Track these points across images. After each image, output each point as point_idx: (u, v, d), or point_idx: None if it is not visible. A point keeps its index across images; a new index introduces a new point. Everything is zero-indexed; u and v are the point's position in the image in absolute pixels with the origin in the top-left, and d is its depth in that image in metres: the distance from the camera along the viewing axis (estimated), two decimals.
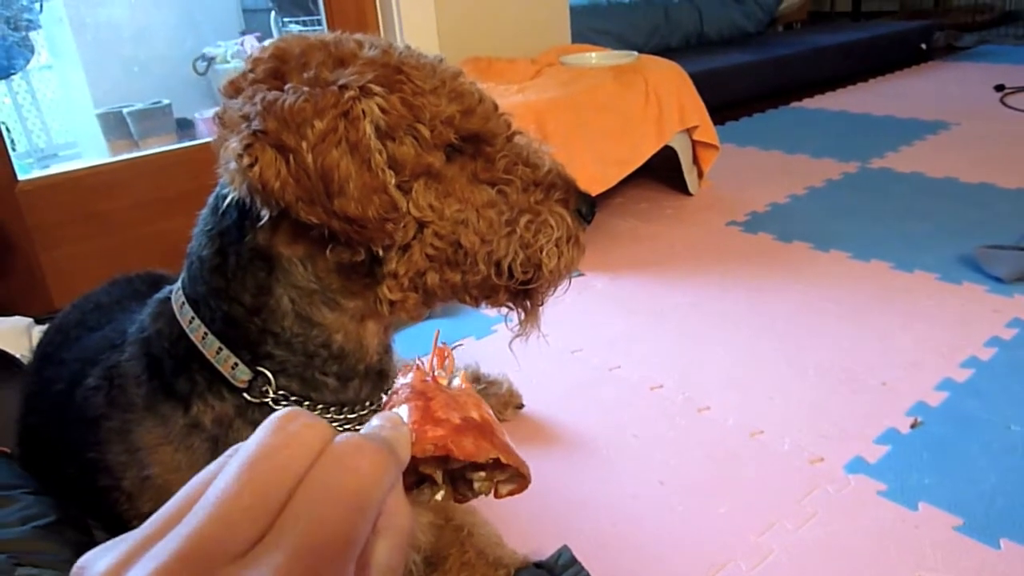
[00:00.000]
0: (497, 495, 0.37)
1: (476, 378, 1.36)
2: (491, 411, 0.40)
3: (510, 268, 0.77)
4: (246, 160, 0.63)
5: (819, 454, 1.21)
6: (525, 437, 1.30)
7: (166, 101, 2.94)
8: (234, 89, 0.71)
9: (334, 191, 0.65)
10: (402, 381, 0.41)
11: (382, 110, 0.69)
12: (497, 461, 0.36)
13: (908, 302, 1.67)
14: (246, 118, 0.65)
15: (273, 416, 0.27)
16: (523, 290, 0.80)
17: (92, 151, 3.19)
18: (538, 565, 0.91)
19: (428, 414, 0.35)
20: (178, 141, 2.82)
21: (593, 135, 2.04)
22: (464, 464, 0.36)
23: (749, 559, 1.02)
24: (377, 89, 0.69)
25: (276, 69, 0.70)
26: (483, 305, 0.82)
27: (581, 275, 1.91)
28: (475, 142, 0.75)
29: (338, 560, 0.25)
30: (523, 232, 0.76)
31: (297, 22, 3.08)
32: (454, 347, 1.37)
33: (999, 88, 3.53)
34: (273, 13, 3.24)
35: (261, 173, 0.63)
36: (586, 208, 0.80)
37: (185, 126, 3.03)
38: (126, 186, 1.96)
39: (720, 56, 3.67)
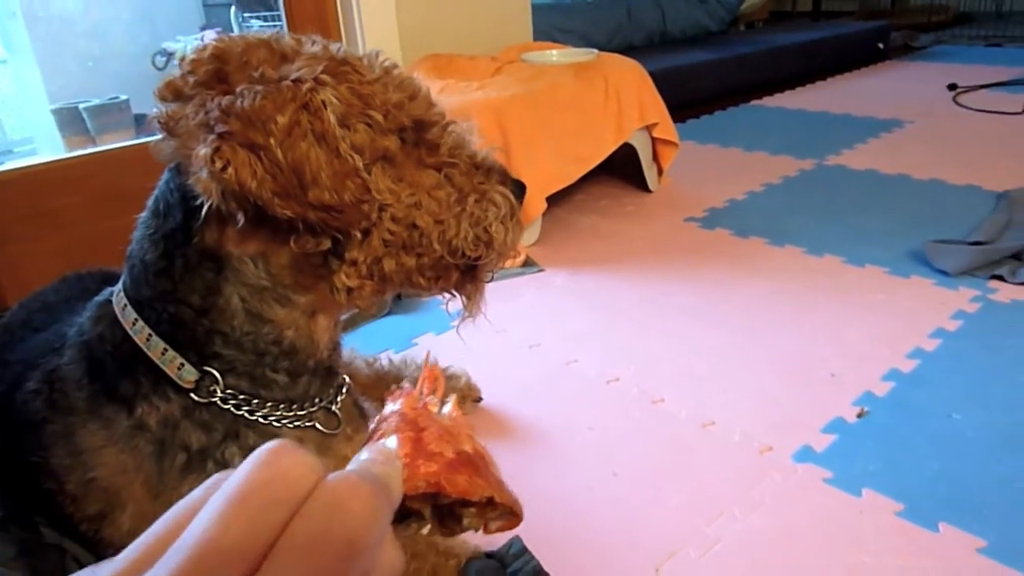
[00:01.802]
0: (486, 531, 0.36)
1: None
2: (480, 442, 0.39)
3: (462, 246, 0.80)
4: (218, 164, 0.64)
5: (768, 444, 1.24)
6: (482, 430, 1.31)
7: (124, 97, 2.89)
8: (172, 91, 0.71)
9: (308, 182, 0.67)
10: (391, 408, 0.39)
11: (336, 99, 0.70)
12: (490, 499, 0.34)
13: (858, 296, 1.72)
14: (206, 125, 0.66)
15: (261, 449, 0.26)
16: (472, 268, 0.84)
17: (48, 147, 3.13)
18: (489, 555, 0.92)
19: (420, 447, 0.34)
20: (136, 137, 2.78)
21: (553, 132, 2.05)
22: (455, 500, 0.34)
23: (698, 547, 1.04)
24: (329, 80, 0.70)
25: (218, 70, 0.71)
26: (434, 288, 0.84)
27: (541, 271, 1.92)
28: (418, 129, 0.78)
29: None
30: (472, 209, 0.81)
31: (257, 17, 3.06)
32: (445, 370, 1.38)
33: (952, 87, 3.62)
34: (233, 8, 3.21)
35: (237, 174, 0.64)
36: (518, 191, 0.85)
37: (143, 122, 2.99)
38: (81, 182, 1.94)
39: (682, 54, 3.71)
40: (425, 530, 0.36)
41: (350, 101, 0.72)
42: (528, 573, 0.89)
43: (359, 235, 0.74)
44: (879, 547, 1.03)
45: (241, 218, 0.68)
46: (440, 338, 1.63)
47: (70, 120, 2.84)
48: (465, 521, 0.36)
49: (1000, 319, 1.59)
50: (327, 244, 0.73)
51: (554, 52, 2.40)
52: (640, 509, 1.12)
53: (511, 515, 0.36)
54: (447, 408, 0.41)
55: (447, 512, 0.36)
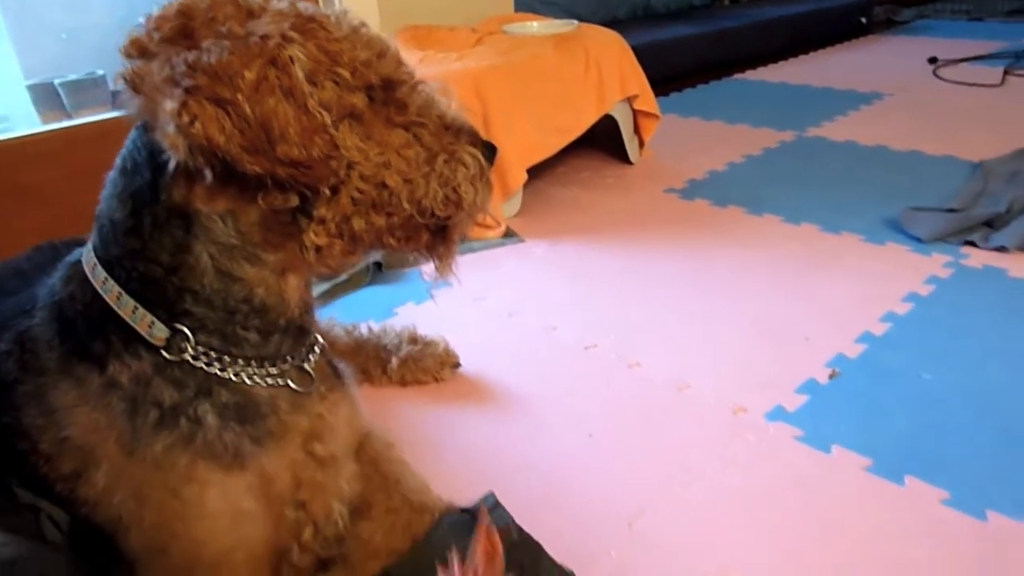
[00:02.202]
0: None
1: (414, 339, 1.38)
2: None
3: (432, 206, 0.81)
4: (185, 118, 0.64)
5: (742, 404, 1.26)
6: (460, 396, 1.33)
7: (100, 72, 2.85)
8: (137, 48, 0.71)
9: (276, 138, 0.67)
10: None
11: (303, 56, 0.70)
12: None
13: (834, 262, 1.74)
14: (172, 80, 0.66)
15: None
16: (442, 228, 0.84)
17: (24, 125, 3.09)
18: (463, 511, 0.94)
19: None
20: (113, 111, 2.74)
21: (534, 103, 2.05)
22: None
23: (671, 503, 1.06)
24: (296, 36, 0.71)
25: (184, 27, 0.70)
26: (405, 248, 0.85)
27: (521, 242, 1.93)
28: (387, 88, 0.78)
29: None
30: (441, 169, 0.81)
31: None
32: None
33: (932, 60, 3.63)
34: None
35: (204, 129, 0.64)
36: (488, 152, 0.85)
37: (117, 98, 2.96)
38: (58, 157, 1.92)
39: (666, 28, 3.70)
40: None
41: (318, 58, 0.72)
42: (500, 526, 0.90)
43: (328, 192, 0.74)
44: (848, 501, 1.06)
45: (209, 174, 0.68)
46: (420, 308, 1.64)
47: (46, 96, 2.80)
48: None
49: (972, 283, 1.62)
50: (295, 201, 0.73)
51: (534, 23, 2.39)
52: (614, 469, 1.14)
53: None
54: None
55: None
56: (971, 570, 0.94)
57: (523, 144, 2.02)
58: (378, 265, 1.77)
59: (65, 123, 2.05)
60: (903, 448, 1.15)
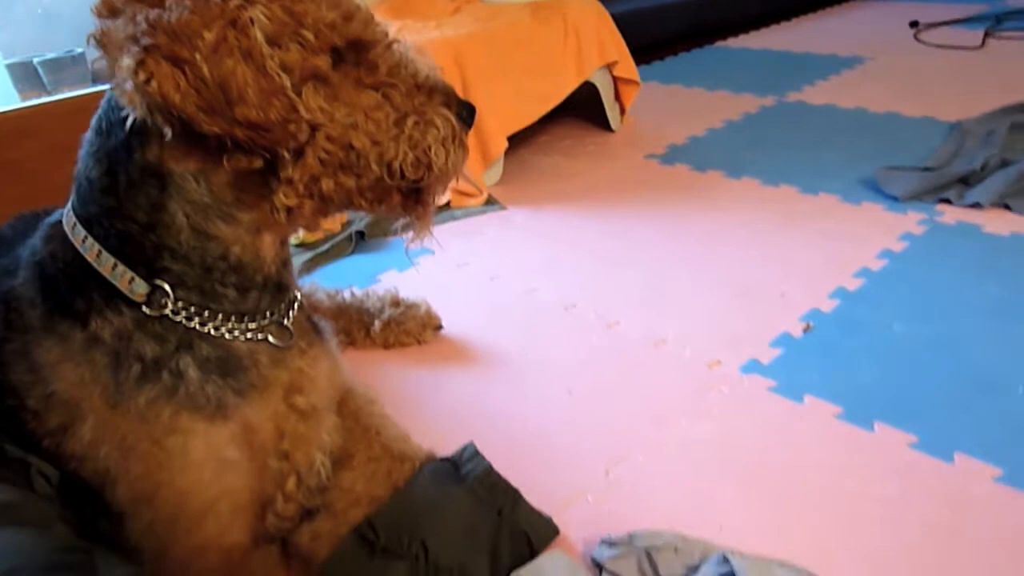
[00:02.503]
0: None
1: (396, 302, 1.40)
2: None
3: (401, 168, 0.81)
4: (142, 76, 0.65)
5: (717, 358, 1.29)
6: (442, 356, 1.35)
7: (79, 50, 2.84)
8: (108, 9, 0.71)
9: (234, 99, 0.67)
10: None
11: (266, 18, 0.71)
12: None
13: (811, 222, 1.76)
14: (133, 38, 0.67)
15: None
16: (414, 190, 0.84)
17: (4, 104, 3.07)
18: (444, 459, 0.97)
19: None
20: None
21: (513, 71, 2.06)
22: None
23: (646, 452, 1.09)
24: None
25: None
26: (377, 210, 0.85)
27: (503, 209, 1.95)
28: (356, 49, 0.78)
29: None
30: (411, 132, 0.80)
31: None
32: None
33: (913, 24, 3.64)
34: None
35: (160, 87, 0.65)
36: (466, 113, 0.84)
37: (100, 79, 2.94)
38: (37, 133, 1.92)
39: None
40: None
41: (282, 19, 0.72)
42: (479, 474, 0.93)
43: (288, 155, 0.74)
44: (818, 446, 1.09)
45: (168, 132, 0.69)
46: (402, 275, 1.65)
47: (24, 75, 2.79)
48: None
49: (945, 239, 1.65)
50: (259, 163, 0.73)
51: None
52: (592, 421, 1.17)
53: None
54: None
55: None
56: (939, 507, 0.98)
57: (503, 112, 2.03)
58: (361, 234, 1.79)
59: (44, 99, 2.04)
60: (873, 396, 1.18)
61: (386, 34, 0.83)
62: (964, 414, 1.13)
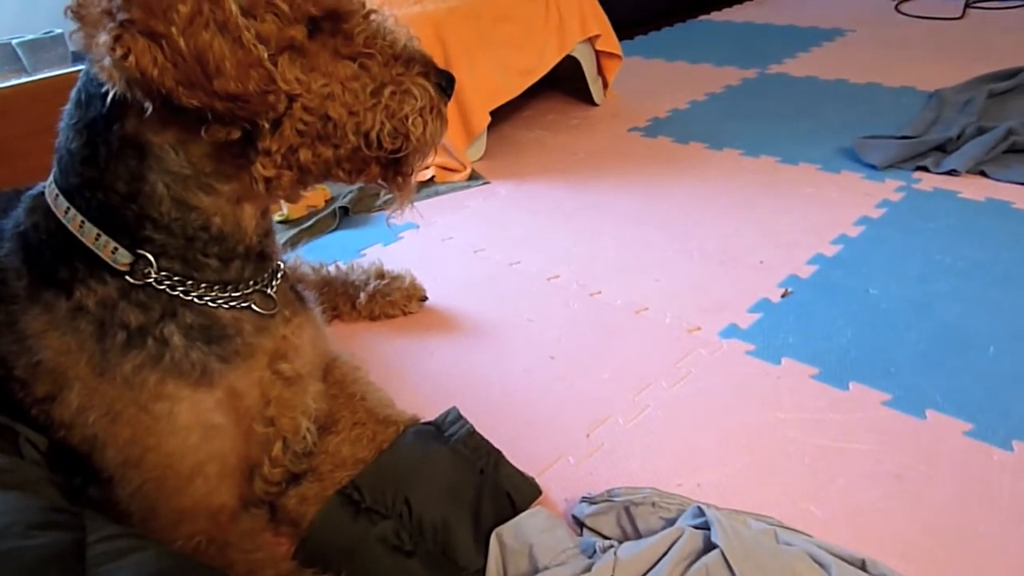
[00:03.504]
0: None
1: (381, 274, 1.41)
2: None
3: (379, 138, 0.81)
4: (119, 52, 0.65)
5: (697, 324, 1.31)
6: (427, 327, 1.37)
7: (58, 31, 2.81)
8: None
9: (212, 72, 0.67)
10: None
11: None
12: None
13: (791, 191, 1.78)
14: (108, 13, 0.67)
15: None
16: (393, 160, 0.85)
17: None
18: (427, 423, 0.99)
19: None
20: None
21: (495, 45, 2.06)
22: None
23: (627, 414, 1.12)
24: None
25: None
26: (356, 180, 0.86)
27: (487, 183, 1.96)
28: (333, 19, 0.79)
29: None
30: (388, 102, 0.80)
31: None
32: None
33: None
34: None
35: (138, 62, 0.65)
36: (445, 82, 0.85)
37: (81, 58, 2.91)
38: (17, 114, 1.92)
39: None
40: None
41: None
42: (462, 435, 0.95)
43: (267, 125, 0.75)
44: (794, 405, 1.12)
45: (149, 106, 0.70)
46: (387, 249, 1.67)
47: (3, 57, 2.75)
48: None
49: (922, 205, 1.67)
50: (237, 134, 0.74)
51: None
52: (574, 386, 1.19)
53: None
54: None
55: None
56: (910, 459, 1.01)
57: (486, 87, 2.03)
58: (345, 210, 1.79)
59: (24, 78, 2.03)
60: (848, 357, 1.21)
61: (363, 4, 0.83)
62: (937, 373, 1.16)
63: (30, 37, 2.77)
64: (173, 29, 0.66)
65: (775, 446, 1.05)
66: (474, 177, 1.99)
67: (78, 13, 0.72)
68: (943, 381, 1.14)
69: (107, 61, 0.67)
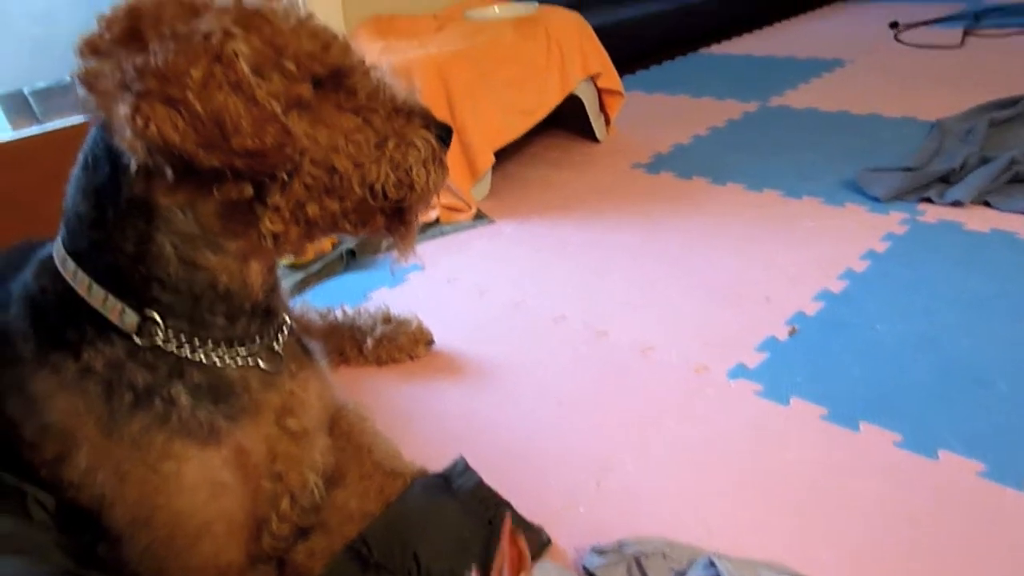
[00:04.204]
0: None
1: (387, 319, 1.42)
2: None
3: (384, 189, 0.83)
4: (139, 122, 0.67)
5: (704, 363, 1.31)
6: (435, 371, 1.37)
7: (69, 79, 2.86)
8: (91, 49, 0.74)
9: (229, 131, 0.69)
10: None
11: (248, 50, 0.73)
12: None
13: (795, 225, 1.79)
14: (123, 85, 0.69)
15: None
16: (397, 210, 0.87)
17: None
18: (435, 475, 0.98)
19: None
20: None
21: (497, 86, 2.08)
22: None
23: (636, 458, 1.11)
24: (238, 31, 0.73)
25: (132, 28, 0.73)
26: (361, 232, 0.88)
27: (492, 223, 1.97)
28: (336, 76, 0.81)
29: None
30: (392, 153, 0.83)
31: None
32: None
33: (893, 25, 3.68)
34: None
35: (159, 129, 0.67)
36: (444, 134, 0.87)
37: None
38: (30, 163, 1.94)
39: (631, 6, 3.73)
40: None
41: (263, 51, 0.75)
42: (470, 487, 0.95)
43: (285, 177, 0.77)
44: (804, 447, 1.11)
45: (170, 173, 0.72)
46: (393, 292, 1.67)
47: (16, 105, 2.81)
48: None
49: (927, 238, 1.67)
50: (249, 191, 0.76)
51: (495, 8, 2.42)
52: (581, 430, 1.18)
53: None
54: None
55: None
56: (924, 504, 0.99)
57: (489, 127, 2.05)
58: (352, 253, 1.81)
59: (35, 129, 2.07)
60: (858, 396, 1.20)
61: (363, 61, 0.85)
62: (947, 411, 1.15)
63: (41, 85, 2.82)
64: (189, 94, 0.68)
65: (785, 489, 1.04)
66: (479, 217, 2.00)
67: (89, 83, 0.74)
68: (954, 419, 1.13)
69: (128, 133, 0.68)
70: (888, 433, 1.12)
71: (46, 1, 3.11)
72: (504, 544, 0.36)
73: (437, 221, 1.99)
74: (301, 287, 1.70)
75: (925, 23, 3.68)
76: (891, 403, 1.18)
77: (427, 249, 1.85)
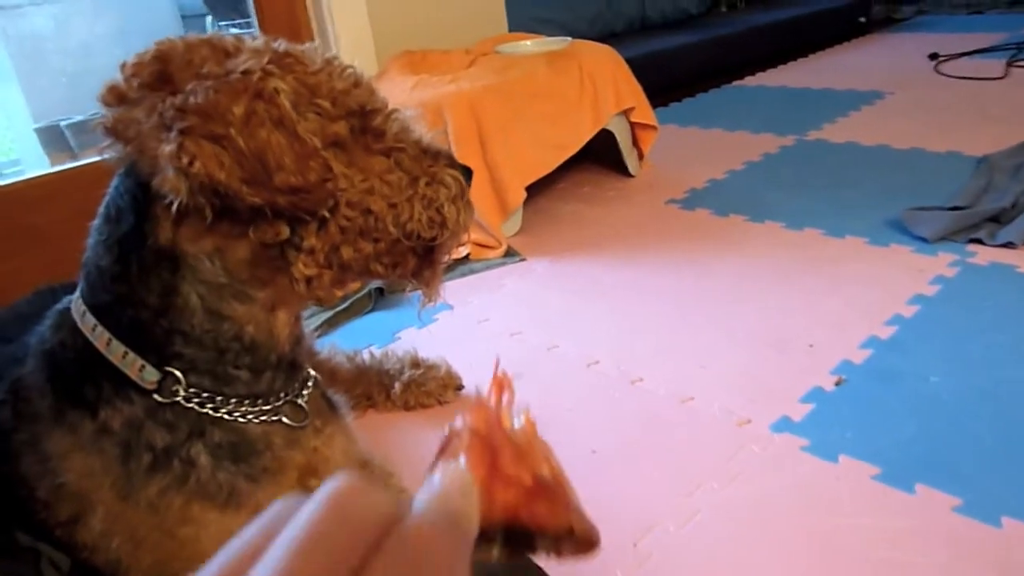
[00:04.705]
0: (559, 557, 0.34)
1: (416, 363, 1.38)
2: (558, 461, 0.36)
3: (417, 228, 0.82)
4: (184, 159, 0.65)
5: (746, 416, 1.25)
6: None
7: (94, 127, 2.90)
8: (115, 96, 0.72)
9: (272, 168, 0.68)
10: (461, 421, 0.36)
11: (286, 87, 0.72)
12: (569, 529, 0.33)
13: (838, 267, 1.72)
14: (163, 126, 0.67)
15: (326, 488, 0.24)
16: (428, 251, 0.85)
17: (36, 168, 3.15)
18: None
19: (496, 470, 0.31)
20: None
21: (529, 121, 2.06)
22: (530, 528, 0.32)
23: (676, 519, 1.05)
24: (275, 70, 0.72)
25: (162, 71, 0.72)
26: (392, 275, 0.86)
27: (523, 260, 1.93)
28: (363, 117, 0.79)
29: None
30: (424, 191, 0.82)
31: (234, 25, 3.07)
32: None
33: (933, 56, 3.61)
34: (210, 18, 3.22)
35: (205, 166, 0.65)
36: (466, 174, 0.87)
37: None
38: (64, 197, 1.95)
39: (663, 38, 3.71)
40: (495, 552, 0.33)
41: (298, 90, 0.74)
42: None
43: (327, 214, 0.76)
44: (856, 510, 1.04)
45: (209, 214, 0.69)
46: (422, 332, 1.64)
47: (53, 138, 2.85)
48: (539, 546, 0.34)
49: (978, 282, 1.60)
50: (286, 232, 0.74)
51: (528, 42, 2.40)
52: (618, 485, 1.13)
53: (587, 543, 0.35)
54: (519, 422, 0.38)
55: (520, 536, 0.33)
56: (985, 574, 0.92)
57: (520, 162, 2.02)
58: (380, 291, 1.77)
59: (68, 164, 2.08)
60: (912, 455, 1.13)
61: (387, 103, 0.84)
62: (1010, 473, 1.08)
63: (78, 119, 2.87)
64: (232, 130, 0.67)
65: (836, 558, 0.97)
66: (510, 254, 1.96)
67: (115, 129, 0.72)
68: (1018, 482, 1.06)
69: (171, 171, 0.66)
70: (946, 497, 1.05)
71: (82, 36, 3.17)
72: (493, 379, 0.35)
73: (467, 258, 1.96)
74: (328, 326, 1.67)
75: (966, 54, 3.61)
76: (949, 463, 1.10)
77: (457, 287, 1.81)
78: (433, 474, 0.30)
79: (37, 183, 1.96)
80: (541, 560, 0.85)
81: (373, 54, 2.36)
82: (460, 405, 1.36)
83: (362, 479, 0.24)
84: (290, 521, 0.23)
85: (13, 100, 3.15)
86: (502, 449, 0.33)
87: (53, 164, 2.90)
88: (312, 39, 2.34)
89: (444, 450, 0.33)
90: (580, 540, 0.34)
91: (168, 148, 0.66)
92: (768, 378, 1.34)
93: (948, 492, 1.05)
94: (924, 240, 1.79)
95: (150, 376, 0.76)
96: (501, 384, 0.39)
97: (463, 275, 1.88)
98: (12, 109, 3.19)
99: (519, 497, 0.31)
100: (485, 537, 0.32)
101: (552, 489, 0.33)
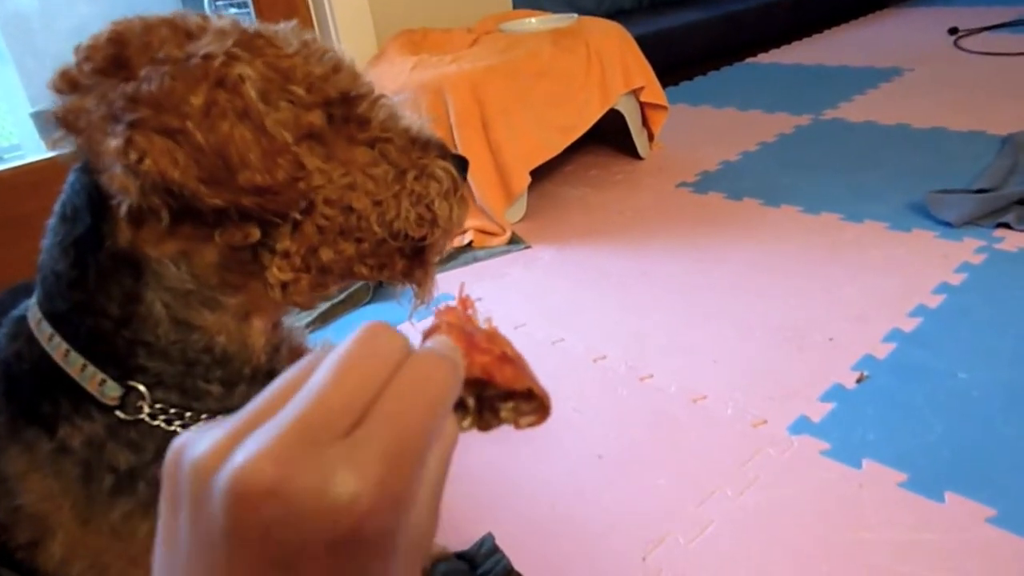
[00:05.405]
0: (517, 426, 0.39)
1: None
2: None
3: (404, 227, 0.73)
4: (133, 156, 0.57)
5: (762, 416, 1.18)
6: None
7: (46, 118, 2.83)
8: (67, 82, 0.65)
9: (235, 165, 0.60)
10: (434, 321, 0.41)
11: (253, 74, 0.64)
12: (529, 391, 0.38)
13: (857, 254, 1.64)
14: (111, 117, 0.60)
15: (359, 331, 0.29)
16: (418, 251, 0.77)
17: (35, 153, 3.09)
18: (459, 556, 0.87)
19: (472, 343, 0.37)
20: None
21: (534, 102, 1.98)
22: (498, 392, 0.38)
23: (688, 531, 0.98)
24: (242, 54, 0.64)
25: (117, 55, 0.64)
26: (379, 277, 0.78)
27: (528, 248, 1.86)
28: (346, 104, 0.71)
29: (417, 454, 0.28)
30: (412, 186, 0.74)
31: (232, 6, 2.98)
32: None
33: (953, 31, 3.49)
34: (207, 0, 3.13)
35: (156, 164, 0.58)
36: (462, 166, 0.79)
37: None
38: (54, 185, 1.89)
39: (672, 15, 3.60)
40: (467, 422, 0.38)
41: (268, 76, 0.65)
42: (498, 572, 0.83)
43: (298, 216, 0.68)
44: (880, 522, 0.97)
45: (166, 216, 0.62)
46: (419, 325, 1.57)
47: (47, 122, 2.78)
48: (503, 414, 0.39)
49: (1007, 269, 1.51)
50: (256, 235, 0.67)
51: (532, 19, 2.31)
52: (626, 493, 1.06)
53: (542, 410, 0.40)
54: (483, 325, 0.43)
55: (487, 406, 0.39)
56: None
57: (525, 145, 1.95)
58: (378, 283, 1.71)
59: (60, 150, 2.02)
60: (942, 459, 1.06)
61: (372, 88, 0.76)
62: None
63: None
64: (189, 123, 0.59)
65: (859, 573, 0.90)
66: (514, 241, 1.89)
67: (68, 121, 0.65)
68: None
69: (119, 169, 0.59)
70: (979, 506, 0.98)
71: (76, 17, 3.10)
72: (457, 298, 0.43)
73: (470, 245, 1.88)
74: (324, 318, 1.61)
75: (987, 28, 3.48)
76: (981, 469, 1.03)
77: (459, 276, 1.74)
78: (424, 344, 0.35)
79: (24, 171, 1.93)
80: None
81: (372, 34, 2.27)
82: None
83: (384, 324, 0.30)
84: (330, 353, 0.29)
85: (11, 83, 3.08)
86: (475, 333, 0.38)
87: (50, 150, 2.84)
88: (310, 18, 2.26)
89: (426, 338, 0.38)
90: (536, 405, 0.39)
91: (114, 143, 0.58)
92: (785, 374, 1.27)
93: (981, 501, 0.98)
94: (948, 225, 1.70)
95: (111, 391, 0.69)
96: (465, 302, 0.44)
97: (466, 263, 1.81)
98: (10, 94, 3.13)
99: (492, 360, 0.37)
100: (461, 405, 0.37)
101: (515, 360, 0.39)
